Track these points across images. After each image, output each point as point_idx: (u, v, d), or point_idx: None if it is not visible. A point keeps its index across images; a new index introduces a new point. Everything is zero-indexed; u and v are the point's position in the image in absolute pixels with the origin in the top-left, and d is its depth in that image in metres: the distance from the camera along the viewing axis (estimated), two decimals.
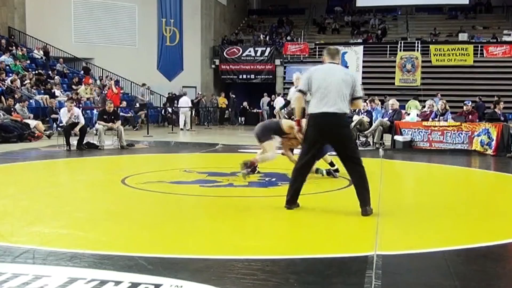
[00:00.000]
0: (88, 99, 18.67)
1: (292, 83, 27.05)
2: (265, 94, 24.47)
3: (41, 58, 20.86)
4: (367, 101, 13.07)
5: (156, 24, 18.85)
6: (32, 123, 13.96)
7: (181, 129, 19.55)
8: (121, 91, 21.98)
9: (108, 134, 12.06)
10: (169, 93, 23.02)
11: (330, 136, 4.80)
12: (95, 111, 16.60)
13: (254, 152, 10.46)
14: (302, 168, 4.96)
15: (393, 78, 24.28)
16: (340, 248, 3.87)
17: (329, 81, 4.71)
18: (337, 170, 7.20)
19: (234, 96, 24.88)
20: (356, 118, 12.28)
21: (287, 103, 10.26)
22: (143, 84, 21.75)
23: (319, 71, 4.86)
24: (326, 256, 3.61)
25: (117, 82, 21.14)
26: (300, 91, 4.89)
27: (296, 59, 25.78)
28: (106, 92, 18.98)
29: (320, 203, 5.98)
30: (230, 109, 24.55)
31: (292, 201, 4.98)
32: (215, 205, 5.64)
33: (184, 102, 20.31)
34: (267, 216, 5.12)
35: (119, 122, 11.97)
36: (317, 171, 7.20)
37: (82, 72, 21.98)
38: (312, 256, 3.62)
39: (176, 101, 21.89)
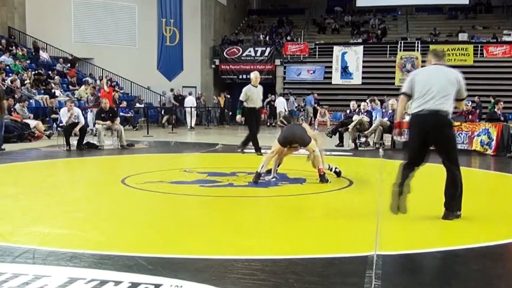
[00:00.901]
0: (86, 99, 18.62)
1: (295, 83, 26.95)
2: (269, 94, 24.32)
3: (32, 53, 20.78)
4: (367, 101, 13.07)
5: (156, 24, 18.85)
6: (32, 123, 13.96)
7: (189, 128, 19.77)
8: (122, 91, 22.00)
9: (108, 134, 12.06)
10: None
11: (431, 135, 4.69)
12: (89, 112, 16.50)
13: (254, 152, 10.46)
14: (408, 169, 4.85)
15: (393, 78, 24.27)
16: (340, 248, 3.86)
17: (433, 81, 4.68)
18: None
19: (229, 96, 24.88)
20: (356, 118, 12.28)
21: (240, 102, 10.32)
22: (172, 90, 22.08)
23: (422, 73, 4.85)
24: (326, 256, 3.61)
25: (113, 82, 21.12)
26: (403, 93, 4.84)
27: (296, 59, 25.78)
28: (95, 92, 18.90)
29: (320, 203, 5.99)
30: (226, 110, 24.57)
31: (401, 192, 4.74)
32: (215, 205, 5.64)
33: (190, 102, 20.56)
34: (267, 216, 5.13)
35: (118, 119, 11.98)
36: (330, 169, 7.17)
37: (68, 67, 21.79)
38: (312, 256, 3.62)
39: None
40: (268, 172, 7.19)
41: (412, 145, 4.91)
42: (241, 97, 10.28)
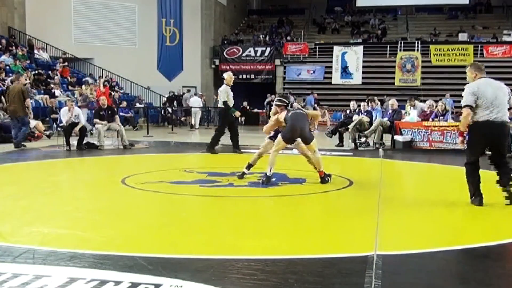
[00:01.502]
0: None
1: (295, 83, 26.88)
2: (269, 94, 24.32)
3: (27, 51, 20.73)
4: (367, 101, 13.07)
5: (156, 24, 18.84)
6: (32, 123, 13.93)
7: (191, 128, 19.77)
8: (122, 91, 21.98)
9: (109, 134, 12.05)
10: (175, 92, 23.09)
11: (492, 142, 5.32)
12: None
13: (254, 152, 10.46)
14: (473, 171, 5.38)
15: (393, 78, 24.28)
16: (340, 248, 3.87)
17: (495, 93, 5.23)
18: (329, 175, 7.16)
19: None
20: (356, 118, 12.27)
21: (225, 102, 10.50)
22: (188, 90, 22.17)
23: (482, 86, 5.27)
24: (326, 256, 3.61)
25: (113, 82, 21.06)
26: (468, 106, 5.25)
27: (296, 59, 25.78)
28: (94, 92, 18.82)
29: (320, 203, 5.99)
30: None
31: (477, 194, 5.35)
32: (215, 205, 5.65)
33: (195, 102, 20.57)
34: (267, 216, 5.13)
35: (118, 118, 11.98)
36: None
37: (59, 67, 21.61)
38: (311, 256, 3.62)
39: (176, 101, 22.10)
40: (249, 167, 7.16)
41: (475, 149, 5.39)
42: (224, 98, 10.69)
